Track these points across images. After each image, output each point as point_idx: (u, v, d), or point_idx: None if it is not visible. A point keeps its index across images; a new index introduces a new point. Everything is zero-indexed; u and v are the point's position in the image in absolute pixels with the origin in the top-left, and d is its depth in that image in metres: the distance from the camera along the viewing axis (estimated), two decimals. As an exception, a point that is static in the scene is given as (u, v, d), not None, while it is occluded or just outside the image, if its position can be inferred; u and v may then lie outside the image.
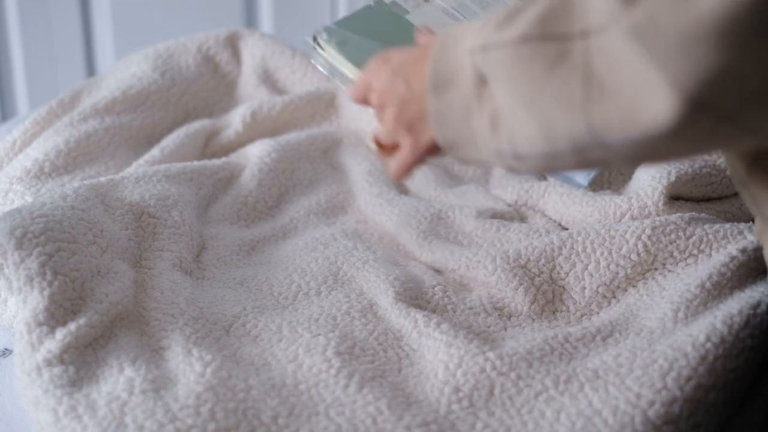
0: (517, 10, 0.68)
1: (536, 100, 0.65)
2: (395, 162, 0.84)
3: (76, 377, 0.83)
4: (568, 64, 0.63)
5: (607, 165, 0.67)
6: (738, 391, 0.85)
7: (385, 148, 0.85)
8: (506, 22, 0.68)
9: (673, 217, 1.00)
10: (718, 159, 1.12)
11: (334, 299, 0.97)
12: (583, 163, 0.67)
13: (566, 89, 0.63)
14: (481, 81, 0.70)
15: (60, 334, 0.86)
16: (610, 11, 0.60)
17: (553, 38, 0.64)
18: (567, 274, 0.98)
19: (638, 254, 0.98)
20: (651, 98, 0.59)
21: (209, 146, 1.27)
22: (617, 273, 0.97)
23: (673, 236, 0.98)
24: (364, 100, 0.85)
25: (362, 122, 1.30)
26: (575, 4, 0.63)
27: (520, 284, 0.97)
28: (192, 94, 1.35)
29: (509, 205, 1.15)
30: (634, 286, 0.97)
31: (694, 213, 1.02)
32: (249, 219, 1.15)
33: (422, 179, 1.21)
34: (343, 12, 2.36)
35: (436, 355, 0.88)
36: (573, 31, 0.63)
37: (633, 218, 1.05)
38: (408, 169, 0.83)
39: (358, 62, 0.98)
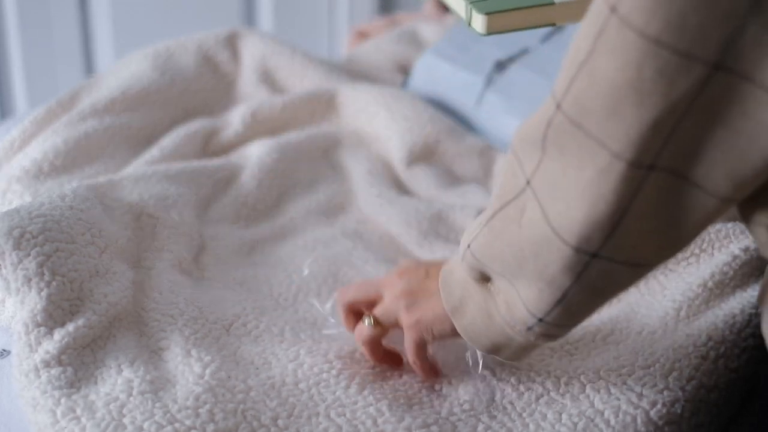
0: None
1: (519, 258, 0.69)
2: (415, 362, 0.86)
3: (75, 378, 0.83)
4: (528, 211, 0.67)
5: (617, 282, 0.69)
6: (740, 390, 0.85)
7: (382, 326, 0.86)
8: (479, 217, 0.73)
9: (675, 217, 0.99)
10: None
11: (334, 300, 0.97)
12: (593, 289, 0.68)
13: (534, 232, 0.67)
14: (482, 279, 0.75)
15: (58, 334, 0.85)
16: (540, 131, 0.65)
17: (510, 202, 0.69)
18: (568, 273, 0.98)
19: (640, 254, 0.97)
20: (596, 174, 0.62)
21: (209, 146, 1.27)
22: (618, 273, 0.97)
23: (674, 236, 0.98)
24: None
25: (362, 122, 1.30)
26: (510, 167, 0.68)
27: (521, 284, 0.97)
28: (192, 94, 1.35)
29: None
30: (635, 285, 0.97)
31: (695, 212, 1.02)
32: (249, 219, 1.15)
33: (422, 179, 1.20)
34: (342, 12, 2.35)
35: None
36: (520, 185, 0.67)
37: (634, 218, 1.04)
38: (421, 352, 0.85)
39: None
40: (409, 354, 0.84)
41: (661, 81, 0.58)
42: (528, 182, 0.66)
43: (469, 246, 0.74)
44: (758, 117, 0.58)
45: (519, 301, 0.71)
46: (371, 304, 0.86)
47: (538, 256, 0.67)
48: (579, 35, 0.62)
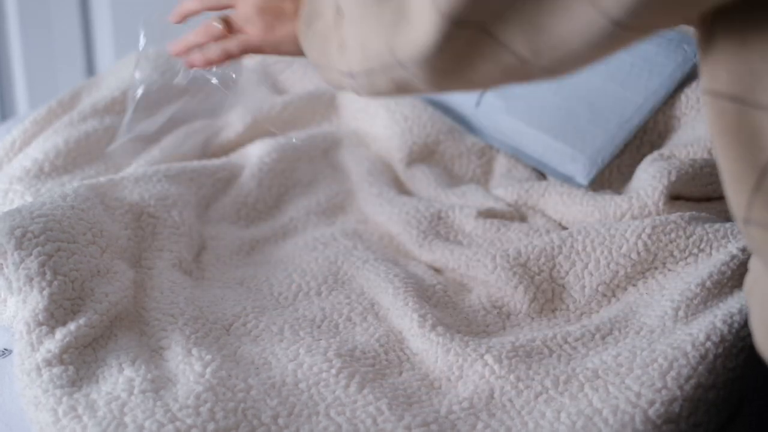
0: None
1: (362, 23, 0.75)
2: (236, 42, 0.93)
3: (76, 377, 0.83)
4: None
5: (418, 90, 0.78)
6: (738, 390, 0.85)
7: (230, 30, 0.93)
8: None
9: (674, 217, 1.00)
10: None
11: (334, 300, 0.97)
12: (396, 85, 0.75)
13: (383, 14, 0.72)
14: (338, 11, 0.80)
15: (59, 334, 0.85)
16: None
17: None
18: (567, 272, 0.98)
19: (638, 253, 0.97)
20: (423, 22, 0.68)
21: (209, 146, 1.27)
22: (617, 272, 0.97)
23: (673, 235, 0.98)
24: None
25: (362, 122, 1.30)
26: None
27: (520, 283, 0.97)
28: (192, 94, 1.35)
29: (509, 205, 1.15)
30: (634, 285, 0.97)
31: (694, 212, 1.02)
32: (249, 219, 1.15)
33: (422, 179, 1.20)
34: (343, 12, 2.35)
35: (435, 362, 0.88)
36: None
37: (633, 217, 1.05)
38: (251, 51, 0.93)
39: None
40: (235, 47, 0.92)
41: None
42: None
43: None
44: None
45: (348, 49, 0.78)
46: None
47: (372, 35, 0.73)
48: None
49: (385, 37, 0.72)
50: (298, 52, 0.88)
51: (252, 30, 0.91)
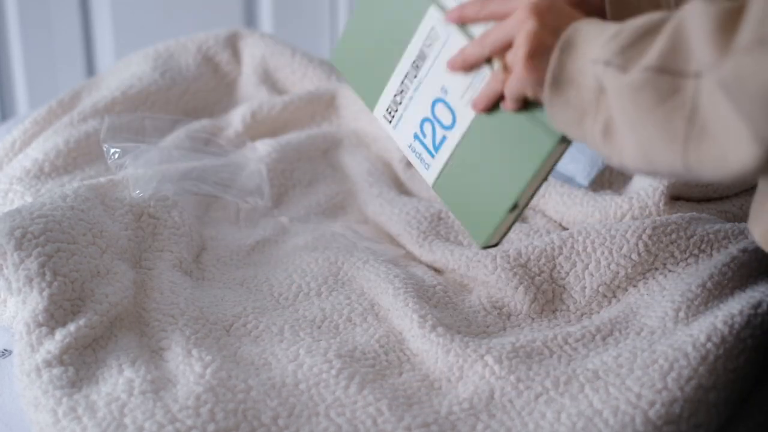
0: (645, 32, 0.71)
1: (641, 128, 0.70)
2: (509, 87, 0.82)
3: (76, 378, 0.83)
4: (678, 100, 0.67)
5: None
6: (739, 391, 0.85)
7: (509, 73, 0.82)
8: (633, 46, 0.71)
9: (674, 217, 1.00)
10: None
11: (334, 300, 0.97)
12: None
13: (670, 125, 0.68)
14: (601, 90, 0.73)
15: (59, 334, 0.85)
16: (709, 58, 0.65)
17: (669, 73, 0.68)
18: (567, 273, 0.98)
19: (639, 254, 0.97)
20: (738, 147, 0.64)
21: (209, 146, 1.27)
22: (618, 272, 0.97)
23: (673, 236, 0.98)
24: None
25: (362, 122, 1.30)
26: (692, 42, 0.67)
27: (520, 283, 0.97)
28: (192, 94, 1.35)
29: (509, 205, 1.15)
30: (634, 286, 0.97)
31: (694, 213, 1.02)
32: (249, 219, 1.15)
33: (422, 179, 1.20)
34: (342, 12, 2.35)
35: (436, 363, 0.88)
36: (689, 69, 0.67)
37: (634, 218, 1.05)
38: (519, 94, 0.82)
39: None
40: (510, 94, 0.81)
41: None
42: (697, 76, 0.66)
43: (606, 65, 0.72)
44: None
45: (618, 140, 0.72)
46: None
47: (657, 140, 0.68)
48: None
49: (680, 153, 0.68)
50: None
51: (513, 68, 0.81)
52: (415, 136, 0.92)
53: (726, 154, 0.65)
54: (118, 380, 0.83)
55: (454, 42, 0.87)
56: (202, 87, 1.36)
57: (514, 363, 0.86)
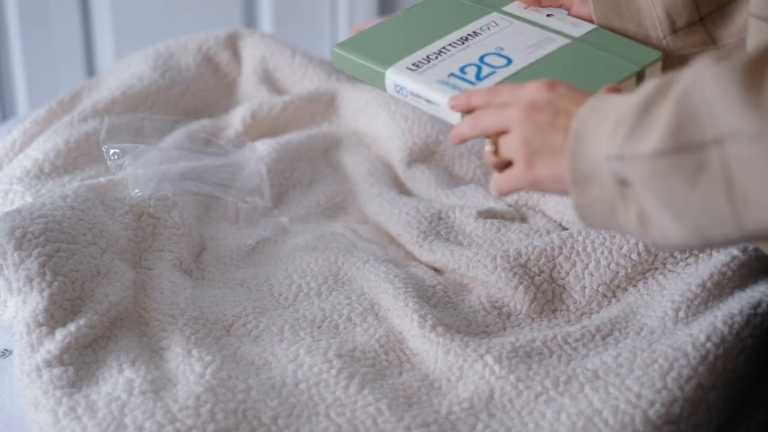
0: (646, 111, 0.69)
1: (684, 212, 0.67)
2: (504, 179, 0.82)
3: (76, 378, 0.83)
4: (709, 176, 0.64)
5: None
6: (738, 390, 0.85)
7: (498, 160, 0.82)
8: (636, 130, 0.69)
9: (674, 217, 1.00)
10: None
11: (334, 300, 0.97)
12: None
13: (712, 203, 0.65)
14: (622, 183, 0.71)
15: (60, 334, 0.85)
16: (741, 121, 0.62)
17: (688, 149, 0.65)
18: (567, 273, 0.98)
19: (639, 254, 0.97)
20: None
21: (209, 146, 1.27)
22: (618, 272, 0.97)
23: (673, 236, 0.98)
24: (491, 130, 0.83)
25: (362, 122, 1.30)
26: (702, 110, 0.65)
27: (520, 283, 0.97)
28: (192, 95, 1.35)
29: (509, 206, 1.15)
30: (634, 286, 0.97)
31: (694, 212, 1.02)
32: (249, 219, 1.15)
33: (422, 179, 1.20)
34: (342, 12, 2.35)
35: (436, 363, 0.88)
36: (706, 139, 0.64)
37: (633, 218, 1.05)
38: (513, 190, 0.82)
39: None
40: (502, 185, 0.81)
41: None
42: (717, 143, 0.63)
43: (620, 159, 0.69)
44: None
45: (657, 226, 0.69)
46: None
47: (705, 220, 0.65)
48: None
49: (734, 228, 0.64)
50: (561, 191, 0.77)
51: (514, 160, 0.80)
52: (451, 74, 0.90)
53: None
54: (118, 380, 0.83)
55: (517, 27, 0.94)
56: (202, 87, 1.36)
57: (513, 363, 0.86)
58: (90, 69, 2.22)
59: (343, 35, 2.33)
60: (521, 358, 0.87)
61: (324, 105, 1.33)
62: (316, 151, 1.26)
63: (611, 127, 0.71)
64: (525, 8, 0.99)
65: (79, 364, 0.84)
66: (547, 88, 0.79)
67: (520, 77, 0.88)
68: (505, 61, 0.91)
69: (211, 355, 0.86)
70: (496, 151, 0.81)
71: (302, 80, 1.37)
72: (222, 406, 0.80)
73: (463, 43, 0.94)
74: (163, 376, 0.84)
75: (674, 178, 0.66)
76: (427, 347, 0.89)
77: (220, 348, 0.89)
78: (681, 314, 0.90)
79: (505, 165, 0.81)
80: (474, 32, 0.95)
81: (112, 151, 1.11)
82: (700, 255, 0.97)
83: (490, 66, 0.91)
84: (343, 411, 0.82)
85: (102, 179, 1.06)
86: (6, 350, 0.95)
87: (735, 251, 0.95)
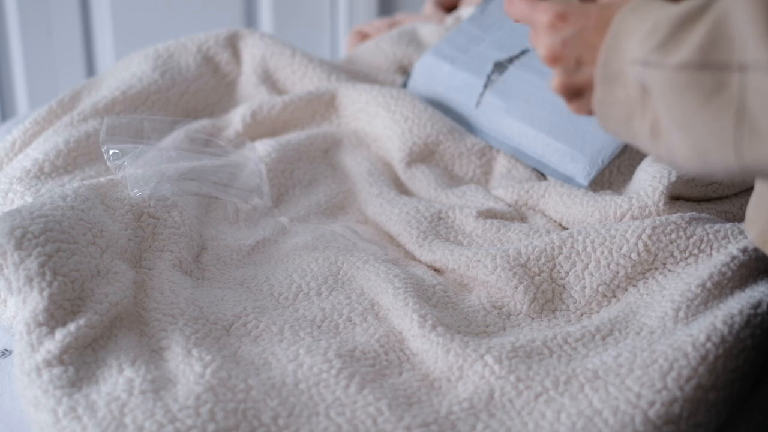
0: (682, 23, 0.68)
1: (689, 129, 0.66)
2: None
3: (76, 378, 0.83)
4: (724, 98, 0.64)
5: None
6: (739, 391, 0.85)
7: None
8: (670, 41, 0.68)
9: (674, 217, 1.00)
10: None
11: (334, 300, 0.97)
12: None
13: (719, 124, 0.64)
14: (644, 90, 0.71)
15: (59, 334, 0.85)
16: (761, 48, 0.61)
17: (711, 67, 0.64)
18: (567, 273, 0.98)
19: (638, 254, 0.97)
20: None
21: (209, 146, 1.27)
22: (617, 272, 0.97)
23: (673, 236, 0.98)
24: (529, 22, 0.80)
25: (362, 122, 1.30)
26: (734, 32, 0.64)
27: (520, 283, 0.97)
28: (192, 94, 1.35)
29: (509, 206, 1.15)
30: (634, 286, 0.97)
31: (694, 213, 1.02)
32: (249, 219, 1.15)
33: (422, 179, 1.20)
34: (342, 12, 2.35)
35: (435, 362, 0.88)
36: (732, 61, 0.63)
37: (633, 218, 1.05)
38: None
39: None
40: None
41: None
42: (741, 69, 0.62)
43: (645, 65, 0.69)
44: None
45: (666, 140, 0.69)
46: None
47: (708, 142, 0.65)
48: None
49: (733, 155, 0.64)
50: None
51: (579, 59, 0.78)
52: None
53: None
54: (118, 380, 0.83)
55: None
56: (202, 87, 1.36)
57: (513, 363, 0.86)
58: (90, 69, 2.22)
59: (343, 35, 2.33)
60: (521, 358, 0.87)
61: (324, 105, 1.33)
62: (316, 151, 1.26)
63: (645, 33, 0.70)
64: None
65: (79, 363, 0.84)
66: (558, 23, 0.77)
67: None
68: None
69: (211, 355, 0.86)
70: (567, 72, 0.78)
71: (302, 80, 1.37)
72: (222, 406, 0.80)
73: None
74: (163, 376, 0.84)
75: (690, 93, 0.65)
76: (427, 347, 0.89)
77: (220, 348, 0.89)
78: (681, 314, 0.90)
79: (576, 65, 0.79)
80: None
81: (111, 152, 1.11)
82: (700, 255, 0.97)
83: None
84: (343, 411, 0.82)
85: (102, 179, 1.06)
86: (6, 350, 0.95)
87: (735, 251, 0.95)
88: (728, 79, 0.64)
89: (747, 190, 1.12)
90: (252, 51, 1.39)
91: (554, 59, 0.77)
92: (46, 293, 0.88)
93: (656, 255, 0.98)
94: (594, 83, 0.75)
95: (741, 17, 0.63)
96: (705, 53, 0.65)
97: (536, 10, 0.78)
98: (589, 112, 0.78)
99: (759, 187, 0.83)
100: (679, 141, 0.68)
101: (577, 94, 0.77)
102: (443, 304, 0.97)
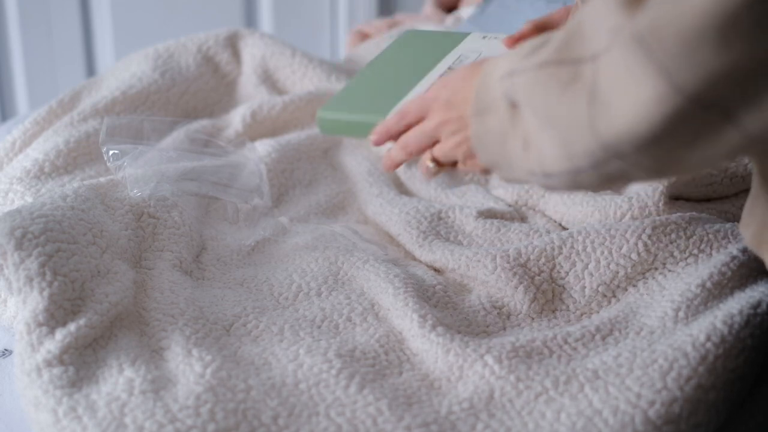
0: (547, 39, 0.72)
1: (553, 121, 0.70)
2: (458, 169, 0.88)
3: (76, 378, 0.83)
4: (578, 85, 0.67)
5: (629, 179, 0.72)
6: (738, 390, 0.85)
7: (443, 166, 0.87)
8: (533, 50, 0.73)
9: (674, 217, 1.00)
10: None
11: (334, 300, 0.97)
12: (606, 179, 0.71)
13: (575, 108, 0.67)
14: (513, 105, 0.74)
15: (60, 334, 0.85)
16: (615, 25, 0.64)
17: (567, 62, 0.68)
18: (567, 273, 0.98)
19: (638, 254, 0.97)
20: (651, 99, 0.63)
21: (209, 146, 1.27)
22: (617, 272, 0.97)
23: (673, 236, 0.98)
24: (411, 120, 0.87)
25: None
26: (586, 28, 0.68)
27: (520, 283, 0.97)
28: (192, 94, 1.35)
29: (509, 206, 1.15)
30: (634, 286, 0.97)
31: (694, 213, 1.02)
32: (249, 219, 1.15)
33: (422, 179, 1.20)
34: (342, 12, 2.35)
35: (435, 363, 0.88)
36: (585, 55, 0.67)
37: (633, 218, 1.05)
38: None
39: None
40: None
41: (757, 30, 0.58)
42: (592, 59, 0.66)
43: (511, 75, 0.73)
44: None
45: (535, 147, 0.72)
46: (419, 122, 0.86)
47: (569, 130, 0.68)
48: None
49: (591, 132, 0.67)
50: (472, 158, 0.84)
51: (456, 159, 0.86)
52: None
53: (638, 111, 0.63)
54: (119, 380, 0.83)
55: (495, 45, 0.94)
56: (202, 87, 1.36)
57: (513, 362, 0.86)
58: (90, 69, 2.22)
59: (343, 35, 2.33)
60: (521, 358, 0.87)
61: (324, 105, 1.33)
62: (316, 151, 1.26)
63: (512, 54, 0.75)
64: (483, 38, 1.02)
65: (79, 363, 0.84)
66: (443, 82, 0.84)
67: None
68: None
69: (211, 355, 0.86)
70: (439, 163, 0.85)
71: (302, 80, 1.37)
72: (222, 406, 0.80)
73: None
74: (163, 376, 0.84)
75: (549, 87, 0.69)
76: (427, 347, 0.89)
77: (220, 348, 0.89)
78: (681, 314, 0.90)
79: (450, 165, 0.86)
80: (458, 59, 0.96)
81: (111, 152, 1.11)
82: (700, 255, 0.97)
83: None
84: (343, 411, 0.82)
85: (102, 179, 1.06)
86: (6, 350, 0.95)
87: (734, 251, 0.95)
88: (582, 69, 0.67)
89: (747, 190, 1.12)
90: (252, 51, 1.39)
91: (444, 123, 0.84)
92: (46, 293, 0.88)
93: (656, 255, 0.98)
94: (469, 124, 0.79)
95: (593, 10, 0.67)
96: (561, 50, 0.69)
97: (426, 99, 0.85)
98: (484, 170, 0.84)
99: (754, 190, 0.84)
100: (547, 140, 0.71)
101: (466, 153, 0.83)
102: (443, 304, 0.97)
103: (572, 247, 0.99)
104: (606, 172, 0.69)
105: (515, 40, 0.99)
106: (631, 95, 0.63)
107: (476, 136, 0.79)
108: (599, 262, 0.98)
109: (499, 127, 0.76)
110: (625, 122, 0.64)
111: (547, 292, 0.98)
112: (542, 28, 1.00)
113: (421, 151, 0.87)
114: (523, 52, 0.74)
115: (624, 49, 0.63)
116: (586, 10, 0.68)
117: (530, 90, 0.71)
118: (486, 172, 0.84)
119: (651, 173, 0.68)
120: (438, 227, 1.09)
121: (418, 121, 0.86)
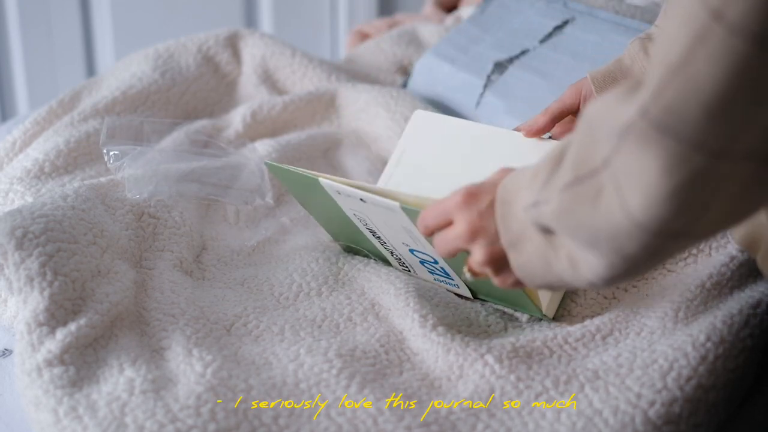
0: (561, 155, 0.71)
1: (596, 239, 0.68)
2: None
3: (77, 377, 0.83)
4: (606, 195, 0.66)
5: (685, 249, 0.73)
6: (738, 390, 0.85)
7: (479, 275, 0.84)
8: (550, 174, 0.71)
9: (674, 217, 1.00)
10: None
11: (335, 300, 0.97)
12: (661, 258, 0.69)
13: (611, 218, 0.66)
14: (546, 231, 0.74)
15: (60, 334, 0.86)
16: (626, 121, 0.63)
17: (586, 178, 0.67)
18: (567, 273, 0.98)
19: (638, 254, 0.97)
20: (672, 163, 0.62)
21: (209, 146, 1.27)
22: (617, 273, 0.97)
23: (673, 236, 0.98)
24: (438, 226, 0.84)
25: (362, 122, 1.30)
26: (596, 133, 0.66)
27: (521, 284, 0.97)
28: (192, 94, 1.35)
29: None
30: (634, 286, 0.97)
31: (694, 213, 1.02)
32: (249, 219, 1.15)
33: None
34: (342, 12, 2.35)
35: (436, 362, 0.88)
36: (597, 163, 0.66)
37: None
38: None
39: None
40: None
41: None
42: (605, 164, 0.65)
43: (536, 206, 0.72)
44: None
45: (585, 264, 0.71)
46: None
47: (615, 239, 0.66)
48: (667, 36, 0.61)
49: (637, 228, 0.65)
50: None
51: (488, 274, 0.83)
52: (431, 272, 0.98)
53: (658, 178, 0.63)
54: (119, 380, 0.83)
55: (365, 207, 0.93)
56: (202, 87, 1.36)
57: (514, 362, 0.86)
58: (90, 69, 2.22)
59: (343, 35, 2.34)
60: (521, 357, 0.87)
61: (324, 105, 1.33)
62: (316, 151, 1.26)
63: (529, 181, 0.74)
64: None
65: (80, 363, 0.84)
66: (468, 201, 0.80)
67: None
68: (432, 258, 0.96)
69: (211, 355, 0.86)
70: (475, 273, 0.82)
71: (302, 80, 1.38)
72: (222, 406, 0.80)
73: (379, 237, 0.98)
74: (164, 376, 0.84)
75: (579, 210, 0.68)
76: (428, 347, 0.89)
77: (220, 348, 0.89)
78: (681, 314, 0.90)
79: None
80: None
81: (111, 153, 1.11)
82: (699, 255, 0.97)
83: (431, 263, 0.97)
84: (343, 411, 0.82)
85: (102, 179, 1.06)
86: (6, 350, 0.95)
87: (734, 251, 0.95)
88: (600, 178, 0.66)
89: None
90: (252, 51, 1.39)
91: (474, 232, 0.79)
92: (46, 293, 0.88)
93: (656, 255, 0.98)
94: (507, 252, 0.78)
95: (595, 117, 0.66)
96: (577, 168, 0.68)
97: (446, 199, 0.82)
98: (516, 283, 0.81)
99: None
100: (594, 257, 0.70)
101: (501, 263, 0.80)
102: (444, 304, 0.97)
103: (572, 247, 0.99)
104: (665, 254, 0.68)
105: (534, 133, 0.99)
106: (662, 183, 0.62)
107: (518, 266, 0.77)
108: (599, 262, 0.98)
109: (538, 251, 0.75)
110: (669, 207, 0.63)
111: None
112: (558, 117, 1.00)
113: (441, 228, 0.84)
114: (540, 178, 0.72)
115: (642, 139, 0.62)
116: (592, 111, 0.67)
117: (562, 218, 0.70)
118: (518, 284, 0.82)
119: (706, 236, 0.67)
120: (438, 227, 1.09)
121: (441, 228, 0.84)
